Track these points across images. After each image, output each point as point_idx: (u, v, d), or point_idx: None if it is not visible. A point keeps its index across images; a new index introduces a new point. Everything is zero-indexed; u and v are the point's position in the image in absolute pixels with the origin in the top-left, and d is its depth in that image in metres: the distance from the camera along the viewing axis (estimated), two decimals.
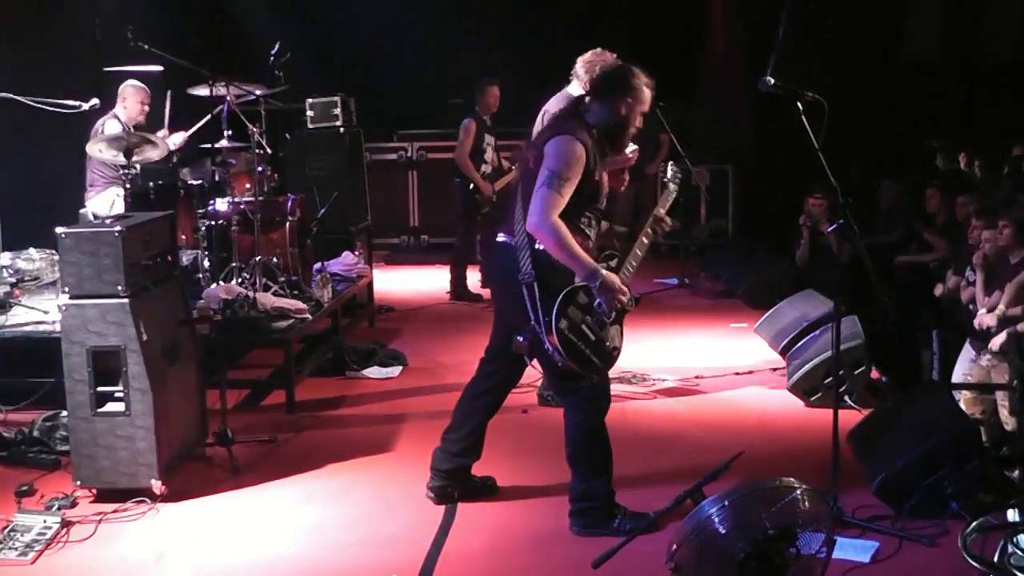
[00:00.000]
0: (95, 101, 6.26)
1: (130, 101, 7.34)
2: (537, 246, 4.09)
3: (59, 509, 4.49)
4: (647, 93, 4.25)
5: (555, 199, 4.02)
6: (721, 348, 7.34)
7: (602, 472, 4.32)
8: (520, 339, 4.12)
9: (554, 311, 4.00)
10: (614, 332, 4.21)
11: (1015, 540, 3.54)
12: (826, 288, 6.51)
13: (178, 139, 7.36)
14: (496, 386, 4.62)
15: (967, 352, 5.68)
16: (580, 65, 5.60)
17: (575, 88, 5.57)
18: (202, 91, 7.05)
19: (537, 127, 5.13)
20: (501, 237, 4.26)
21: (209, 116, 7.23)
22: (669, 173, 4.69)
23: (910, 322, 6.51)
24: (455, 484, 4.63)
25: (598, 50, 5.64)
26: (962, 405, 5.22)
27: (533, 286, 4.04)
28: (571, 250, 4.03)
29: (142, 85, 7.45)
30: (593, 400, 4.30)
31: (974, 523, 3.91)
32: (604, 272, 4.08)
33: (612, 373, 6.35)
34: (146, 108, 7.40)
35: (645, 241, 4.39)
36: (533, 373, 6.25)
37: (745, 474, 4.13)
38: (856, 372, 5.90)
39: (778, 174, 10.44)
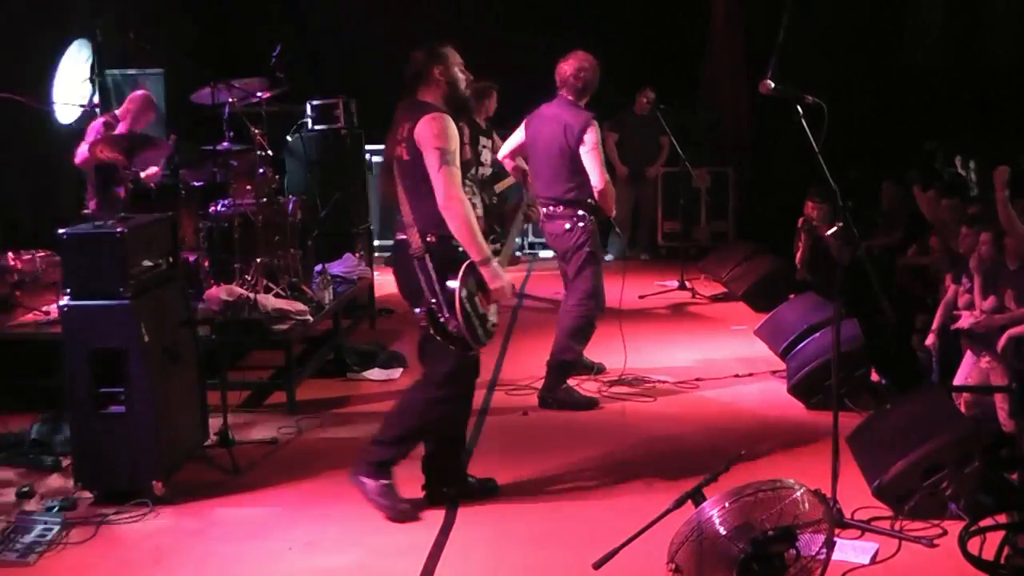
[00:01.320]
0: (96, 101, 6.26)
1: (135, 109, 7.16)
2: (426, 227, 4.27)
3: (60, 510, 4.49)
4: (451, 51, 4.45)
5: (454, 172, 4.24)
6: (721, 350, 7.33)
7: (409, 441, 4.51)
8: (417, 311, 4.30)
9: (459, 278, 4.20)
10: (494, 309, 4.43)
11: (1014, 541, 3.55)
12: (826, 291, 6.51)
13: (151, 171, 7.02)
14: None
15: (970, 355, 5.67)
16: (569, 74, 5.91)
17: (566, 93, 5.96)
18: (203, 93, 7.04)
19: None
20: (399, 236, 4.40)
21: (172, 138, 7.02)
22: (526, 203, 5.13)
23: (910, 324, 6.51)
24: (444, 477, 4.63)
25: (572, 66, 5.94)
26: (961, 407, 5.21)
27: (425, 259, 4.24)
28: (473, 230, 4.24)
29: (153, 99, 7.29)
30: (462, 386, 4.48)
31: (973, 525, 3.92)
32: (496, 260, 4.32)
33: (612, 375, 6.49)
34: (151, 119, 7.25)
35: (514, 231, 4.83)
36: (535, 374, 6.32)
37: (745, 476, 4.13)
38: (856, 374, 5.90)
39: (778, 177, 10.43)
